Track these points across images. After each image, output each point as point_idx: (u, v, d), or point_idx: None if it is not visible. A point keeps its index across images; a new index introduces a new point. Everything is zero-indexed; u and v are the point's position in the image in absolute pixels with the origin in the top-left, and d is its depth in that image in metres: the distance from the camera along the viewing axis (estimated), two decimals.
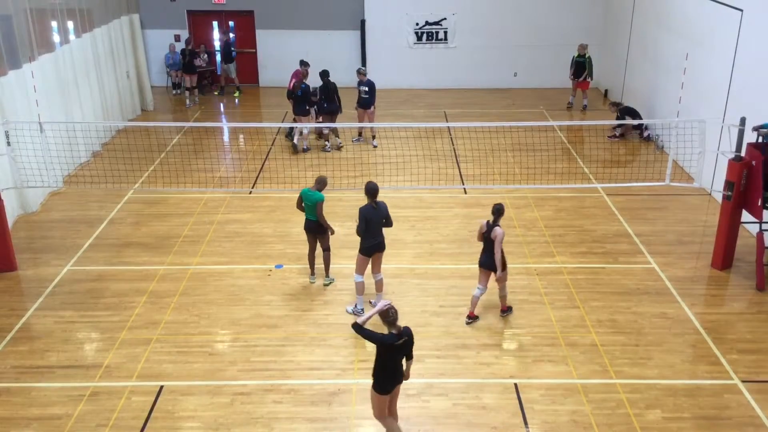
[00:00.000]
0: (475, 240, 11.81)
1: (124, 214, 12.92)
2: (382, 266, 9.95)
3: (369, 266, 9.79)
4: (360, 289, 9.77)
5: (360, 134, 16.76)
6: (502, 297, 9.68)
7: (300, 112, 15.75)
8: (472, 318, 9.67)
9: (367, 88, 16.12)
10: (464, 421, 7.85)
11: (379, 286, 9.89)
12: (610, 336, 9.36)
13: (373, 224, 9.48)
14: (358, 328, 6.88)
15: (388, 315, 6.87)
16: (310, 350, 9.08)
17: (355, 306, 9.88)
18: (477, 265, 9.60)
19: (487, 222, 9.34)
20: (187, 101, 19.77)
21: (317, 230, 10.26)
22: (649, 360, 8.88)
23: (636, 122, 16.34)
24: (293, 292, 10.39)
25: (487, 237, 9.34)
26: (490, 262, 9.34)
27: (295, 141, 15.93)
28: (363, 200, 13.57)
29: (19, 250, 11.31)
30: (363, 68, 16.49)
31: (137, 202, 13.43)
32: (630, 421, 7.85)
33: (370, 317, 6.96)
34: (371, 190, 9.51)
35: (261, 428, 7.75)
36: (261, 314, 9.85)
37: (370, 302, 9.98)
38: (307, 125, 15.93)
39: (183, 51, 19.88)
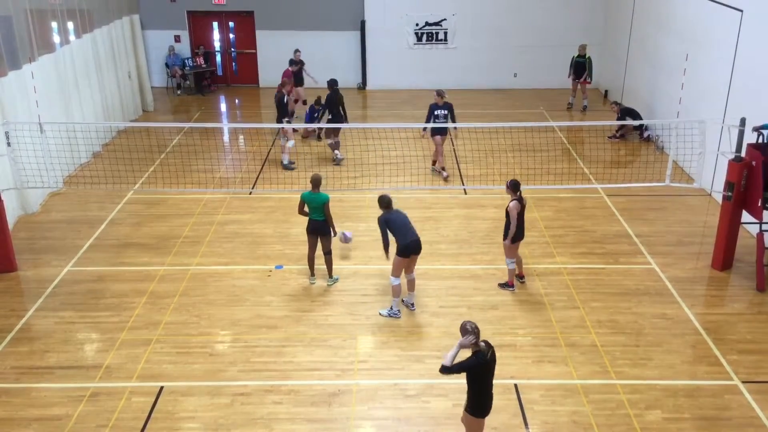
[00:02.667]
0: (475, 240, 11.90)
1: (124, 215, 12.93)
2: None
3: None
4: (396, 291, 9.71)
5: (434, 163, 14.89)
6: (521, 262, 10.61)
7: (287, 120, 14.93)
8: (513, 286, 10.42)
9: (446, 112, 14.20)
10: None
11: (411, 285, 9.92)
12: (610, 336, 9.36)
13: (398, 225, 9.48)
14: (447, 370, 6.41)
15: (470, 337, 6.48)
16: (310, 351, 9.08)
17: (391, 308, 9.80)
18: (513, 242, 10.17)
19: (517, 200, 9.97)
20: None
21: (322, 231, 10.25)
22: (649, 360, 8.88)
23: (637, 123, 16.35)
24: (293, 293, 10.39)
25: (523, 210, 10.06)
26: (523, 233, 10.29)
27: (285, 162, 15.03)
28: (363, 201, 13.62)
29: (20, 251, 11.31)
30: (443, 90, 14.35)
31: (137, 203, 13.43)
32: (630, 422, 7.85)
33: (455, 354, 6.47)
34: (385, 202, 9.60)
35: (261, 429, 7.75)
36: (261, 315, 9.85)
37: (402, 300, 9.99)
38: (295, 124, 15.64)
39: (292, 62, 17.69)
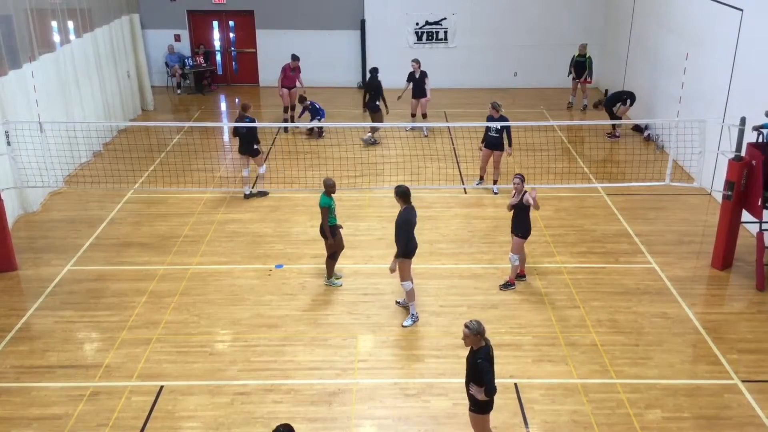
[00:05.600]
0: (475, 240, 11.90)
1: (124, 214, 12.93)
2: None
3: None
4: (413, 295, 9.59)
5: (481, 178, 14.01)
6: (524, 260, 10.61)
7: (247, 151, 13.28)
8: (514, 284, 10.42)
9: (500, 126, 13.22)
10: (464, 421, 7.81)
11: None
12: (610, 336, 9.36)
13: (413, 226, 9.37)
14: (489, 385, 6.50)
15: (474, 330, 6.55)
16: (310, 350, 9.08)
17: (412, 315, 9.66)
18: (510, 235, 10.34)
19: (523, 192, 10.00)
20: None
21: (321, 233, 10.26)
22: (649, 360, 8.89)
23: (635, 122, 16.36)
24: (293, 292, 10.40)
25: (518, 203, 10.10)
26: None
27: (247, 191, 13.48)
28: (362, 200, 13.62)
29: (20, 250, 11.31)
30: (498, 103, 13.32)
31: (137, 202, 13.43)
32: (630, 421, 7.86)
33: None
34: (405, 194, 9.27)
35: (261, 428, 7.75)
36: (261, 314, 9.85)
37: (397, 302, 10.00)
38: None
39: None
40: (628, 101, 16.57)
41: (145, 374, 8.61)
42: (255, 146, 13.29)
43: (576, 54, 18.90)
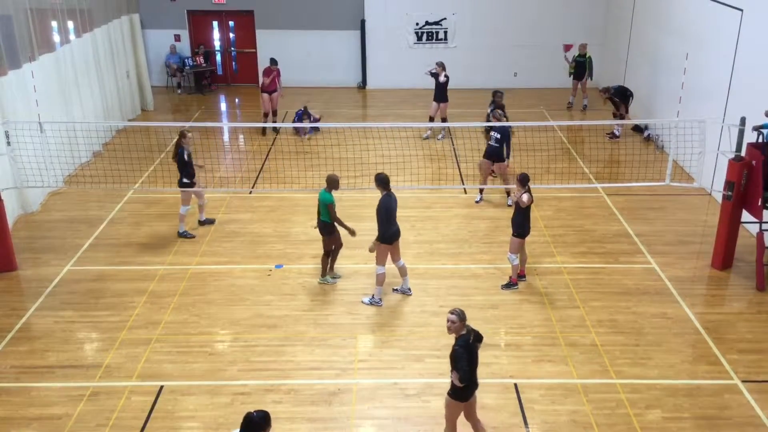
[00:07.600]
0: (475, 240, 11.90)
1: (124, 214, 12.93)
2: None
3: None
4: (382, 280, 9.90)
5: (481, 192, 13.32)
6: (525, 260, 10.63)
7: (186, 181, 11.88)
8: (516, 284, 10.39)
9: (499, 135, 12.56)
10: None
11: (403, 271, 10.04)
12: (610, 336, 9.36)
13: (393, 212, 9.66)
14: (464, 372, 6.62)
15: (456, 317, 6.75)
16: (309, 350, 9.08)
17: (372, 297, 9.98)
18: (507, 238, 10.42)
19: (528, 192, 9.98)
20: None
21: (322, 230, 10.27)
22: (649, 360, 8.89)
23: (635, 122, 16.34)
24: (293, 292, 10.40)
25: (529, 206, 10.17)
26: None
27: (181, 229, 12.03)
28: (363, 200, 13.60)
29: (19, 250, 11.31)
30: (499, 111, 12.84)
31: (137, 202, 13.43)
32: (630, 421, 7.85)
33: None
34: (384, 180, 9.64)
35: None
36: (261, 314, 9.85)
37: (395, 289, 10.12)
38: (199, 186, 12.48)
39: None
40: (630, 99, 16.60)
41: (145, 374, 8.61)
42: (184, 180, 11.80)
43: (576, 54, 18.90)
